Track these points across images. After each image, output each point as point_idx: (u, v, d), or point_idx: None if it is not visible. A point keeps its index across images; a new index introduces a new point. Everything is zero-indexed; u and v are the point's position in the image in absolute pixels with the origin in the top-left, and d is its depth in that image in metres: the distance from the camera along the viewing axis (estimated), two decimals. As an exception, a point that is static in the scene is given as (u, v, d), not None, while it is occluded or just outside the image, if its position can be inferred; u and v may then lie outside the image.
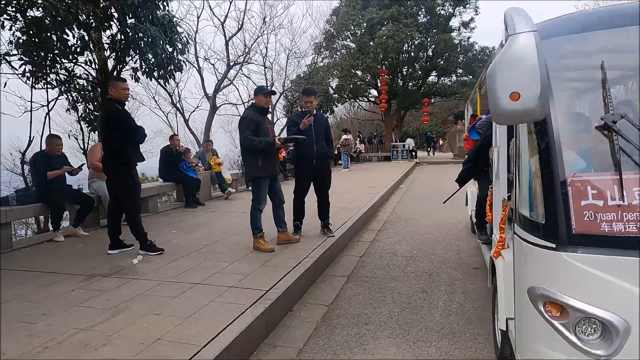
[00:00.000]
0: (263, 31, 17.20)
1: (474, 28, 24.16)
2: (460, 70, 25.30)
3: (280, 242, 4.90)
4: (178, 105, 17.62)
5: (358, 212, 6.99)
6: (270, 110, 6.31)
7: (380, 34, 20.03)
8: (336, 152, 17.25)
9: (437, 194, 11.40)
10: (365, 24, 22.47)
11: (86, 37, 7.46)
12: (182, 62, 7.91)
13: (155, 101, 18.29)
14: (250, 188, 5.27)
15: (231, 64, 15.32)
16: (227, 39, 16.16)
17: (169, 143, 8.15)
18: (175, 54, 7.78)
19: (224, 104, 17.34)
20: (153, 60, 7.48)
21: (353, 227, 6.17)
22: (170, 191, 9.12)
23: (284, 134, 6.17)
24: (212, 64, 17.22)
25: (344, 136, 17.21)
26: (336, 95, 27.03)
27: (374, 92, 28.17)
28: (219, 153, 9.95)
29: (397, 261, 4.90)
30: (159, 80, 8.35)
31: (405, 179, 15.12)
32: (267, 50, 18.07)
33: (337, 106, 25.02)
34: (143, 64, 7.70)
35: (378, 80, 24.05)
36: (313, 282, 4.18)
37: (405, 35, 19.86)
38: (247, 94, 17.35)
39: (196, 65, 15.37)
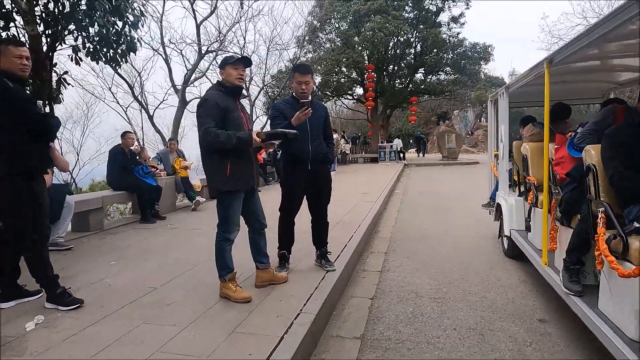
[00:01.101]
0: (240, 17, 15.51)
1: (464, 23, 23.13)
2: (448, 69, 24.24)
3: (260, 283, 3.42)
4: (141, 98, 15.50)
5: (359, 230, 5.56)
6: (245, 89, 4.57)
7: (367, 26, 18.69)
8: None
9: (437, 199, 10.13)
10: (350, 17, 21.13)
11: (10, 6, 5.81)
12: (135, 40, 6.32)
13: (112, 93, 16.20)
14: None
15: (203, 52, 13.47)
16: (197, 22, 14.41)
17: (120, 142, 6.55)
18: (127, 29, 6.19)
19: (196, 98, 14.74)
20: (97, 37, 5.88)
21: (356, 250, 4.74)
22: (123, 202, 7.49)
23: (267, 128, 4.52)
24: (179, 51, 15.34)
25: (330, 135, 15.80)
26: (320, 92, 25.62)
27: (359, 90, 26.88)
28: (187, 155, 8.35)
29: (425, 307, 3.48)
30: (111, 63, 6.74)
31: (398, 183, 13.80)
32: (244, 40, 16.48)
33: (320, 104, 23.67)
34: (86, 41, 6.09)
35: (364, 77, 22.74)
36: (310, 353, 2.71)
37: (394, 27, 18.57)
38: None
39: (163, 54, 13.60)
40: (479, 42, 23.28)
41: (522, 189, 4.57)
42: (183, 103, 12.90)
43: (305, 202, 3.87)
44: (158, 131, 14.93)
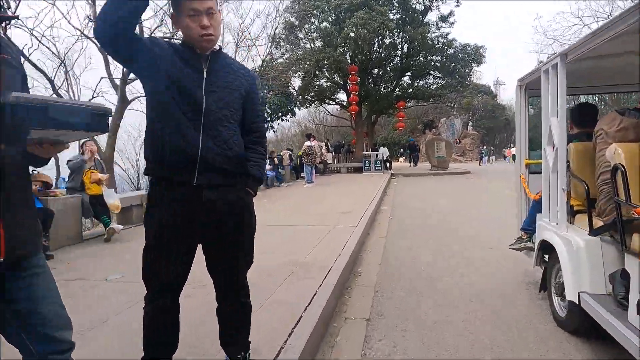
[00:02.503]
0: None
1: (453, 23, 21.57)
2: (436, 72, 22.65)
3: None
4: (69, 93, 12.48)
5: (327, 280, 3.60)
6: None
7: (350, 22, 16.95)
8: (299, 163, 13.94)
9: (433, 217, 8.11)
10: (332, 16, 19.42)
11: None
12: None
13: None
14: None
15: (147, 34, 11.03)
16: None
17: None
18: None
19: (140, 96, 11.47)
20: None
21: (320, 320, 2.78)
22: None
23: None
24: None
25: (307, 143, 13.87)
26: (300, 97, 23.77)
27: (342, 96, 25.14)
28: (108, 165, 6.27)
29: None
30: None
31: (385, 197, 11.92)
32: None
33: (299, 109, 21.73)
34: None
35: (347, 80, 20.98)
36: None
37: (379, 24, 16.84)
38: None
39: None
40: (470, 42, 21.75)
41: (594, 221, 2.70)
42: (122, 101, 10.48)
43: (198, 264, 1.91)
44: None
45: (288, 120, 20.91)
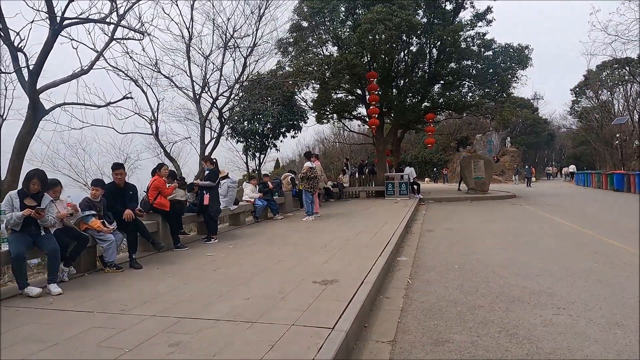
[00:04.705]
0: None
1: (491, 21, 18.19)
2: (470, 81, 19.16)
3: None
4: None
5: None
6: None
7: (367, 17, 14.02)
8: (301, 187, 10.95)
9: (494, 285, 4.23)
10: (345, 13, 16.61)
11: None
12: None
13: None
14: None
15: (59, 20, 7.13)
16: None
17: None
18: None
19: (65, 104, 8.48)
20: None
21: None
22: None
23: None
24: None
25: (308, 164, 10.84)
26: (315, 112, 20.91)
27: (363, 110, 22.07)
28: None
29: None
30: None
31: (407, 236, 8.65)
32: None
33: (304, 123, 18.56)
34: None
35: (365, 89, 17.98)
36: None
37: (401, 19, 13.81)
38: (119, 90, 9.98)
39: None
40: (512, 42, 18.31)
41: None
42: (34, 112, 7.49)
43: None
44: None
45: (294, 137, 17.98)
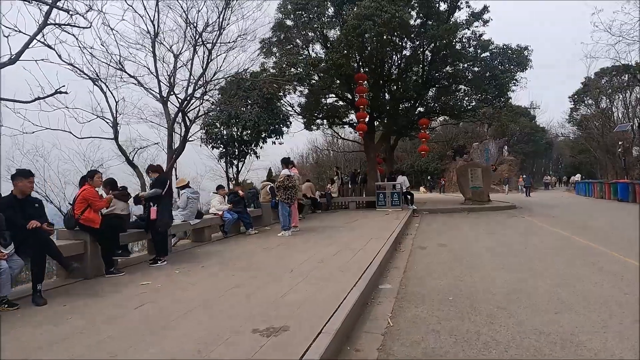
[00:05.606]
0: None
1: (488, 20, 17.13)
2: (465, 85, 18.10)
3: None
4: None
5: None
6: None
7: (354, 12, 12.93)
8: (277, 198, 9.68)
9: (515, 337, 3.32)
10: (332, 8, 15.55)
11: None
12: None
13: None
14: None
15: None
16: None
17: None
18: None
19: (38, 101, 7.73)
20: None
21: None
22: None
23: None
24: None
25: (285, 171, 9.61)
26: (303, 118, 19.73)
27: (354, 116, 20.92)
28: None
29: None
30: None
31: (395, 257, 7.39)
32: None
33: (287, 128, 17.16)
34: None
35: (353, 91, 16.82)
36: None
37: (391, 15, 12.72)
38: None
39: None
40: (510, 43, 17.26)
41: None
42: None
43: None
44: None
45: (274, 143, 16.58)
